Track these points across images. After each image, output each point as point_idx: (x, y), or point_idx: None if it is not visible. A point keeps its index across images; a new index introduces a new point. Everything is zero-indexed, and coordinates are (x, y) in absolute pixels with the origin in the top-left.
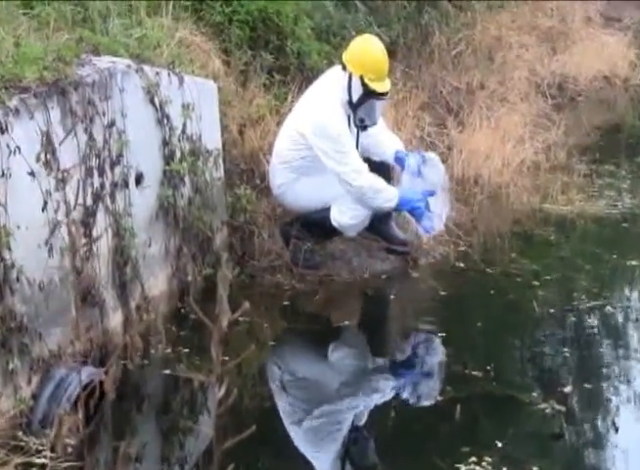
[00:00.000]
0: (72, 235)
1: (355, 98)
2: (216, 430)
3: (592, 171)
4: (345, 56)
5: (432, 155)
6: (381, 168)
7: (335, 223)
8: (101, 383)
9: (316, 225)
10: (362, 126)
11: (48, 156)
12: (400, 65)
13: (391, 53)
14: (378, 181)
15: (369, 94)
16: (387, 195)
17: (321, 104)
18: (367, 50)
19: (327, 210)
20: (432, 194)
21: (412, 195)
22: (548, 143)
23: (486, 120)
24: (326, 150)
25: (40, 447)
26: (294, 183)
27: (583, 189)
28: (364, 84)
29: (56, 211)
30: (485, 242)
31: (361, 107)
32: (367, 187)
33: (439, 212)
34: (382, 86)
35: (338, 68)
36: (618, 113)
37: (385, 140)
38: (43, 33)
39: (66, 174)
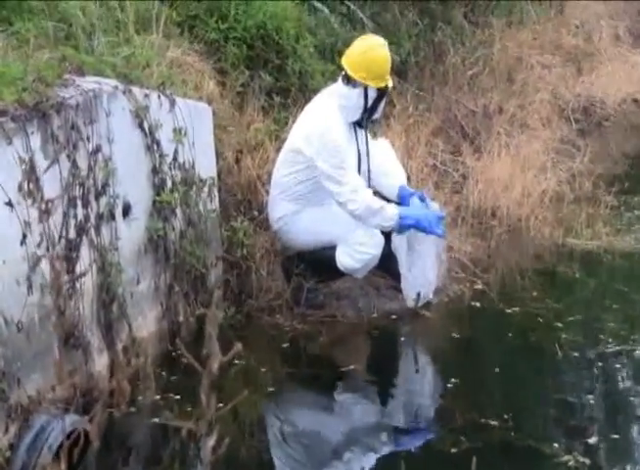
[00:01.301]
0: (54, 271)
1: (370, 103)
2: None
3: (620, 203)
4: (359, 73)
5: (435, 205)
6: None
7: (340, 266)
8: (85, 432)
9: (321, 264)
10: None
11: (30, 185)
12: (411, 86)
13: (402, 73)
14: (375, 201)
15: (381, 96)
16: (385, 214)
17: (318, 115)
18: (379, 59)
19: (333, 248)
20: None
21: (412, 210)
22: (572, 172)
23: (505, 147)
24: (324, 166)
25: None
26: (294, 216)
27: (611, 222)
28: (379, 89)
29: (36, 245)
30: (504, 279)
31: (377, 108)
32: (363, 208)
33: (431, 278)
34: (390, 82)
35: (333, 86)
36: None
37: (390, 171)
38: (22, 52)
39: (48, 205)
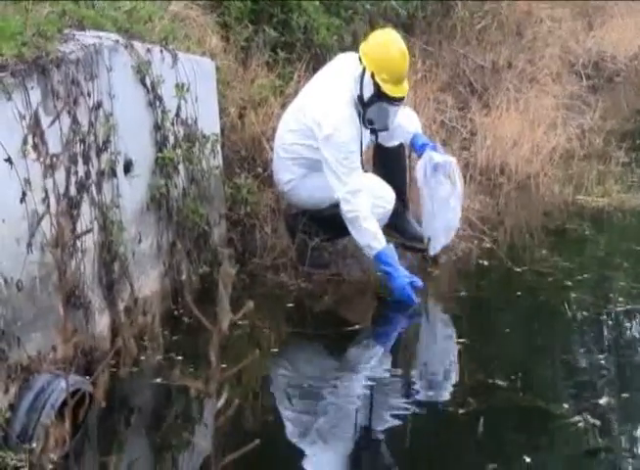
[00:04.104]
0: (59, 228)
1: (366, 96)
2: (214, 444)
3: (632, 160)
4: (362, 48)
5: (452, 160)
6: (392, 155)
7: None
8: (89, 393)
9: (329, 222)
10: (372, 129)
11: (35, 140)
12: (419, 41)
13: (409, 28)
14: (368, 220)
15: (380, 96)
16: (367, 239)
17: (332, 101)
18: (385, 46)
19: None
20: (416, 284)
21: (395, 259)
22: (583, 128)
23: (514, 103)
24: (329, 158)
25: (18, 464)
26: (304, 179)
27: (622, 179)
28: (375, 84)
29: (36, 203)
30: (513, 238)
31: (371, 107)
32: (353, 215)
33: (447, 225)
34: (395, 90)
35: (354, 54)
36: None
37: (402, 123)
38: (22, 6)
39: (52, 160)
